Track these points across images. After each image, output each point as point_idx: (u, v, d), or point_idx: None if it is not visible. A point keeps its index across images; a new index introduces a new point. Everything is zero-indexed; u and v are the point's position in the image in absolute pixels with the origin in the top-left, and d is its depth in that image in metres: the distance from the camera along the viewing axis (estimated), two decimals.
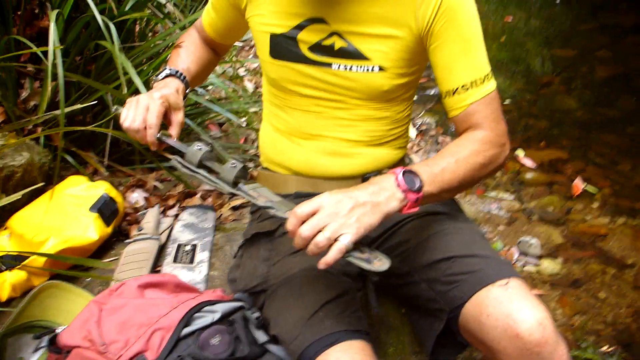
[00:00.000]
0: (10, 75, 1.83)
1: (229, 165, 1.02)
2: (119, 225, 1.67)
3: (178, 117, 1.16)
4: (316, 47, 1.14)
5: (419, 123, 3.32)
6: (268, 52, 1.19)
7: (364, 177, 1.24)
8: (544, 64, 4.69)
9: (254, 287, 1.16)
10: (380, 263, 0.89)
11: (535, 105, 3.80)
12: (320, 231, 0.86)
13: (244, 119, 2.73)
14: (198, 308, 1.06)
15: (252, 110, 2.73)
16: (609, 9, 5.70)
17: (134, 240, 1.56)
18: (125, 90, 1.60)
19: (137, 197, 1.87)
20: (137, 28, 2.28)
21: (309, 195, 0.95)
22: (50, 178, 1.69)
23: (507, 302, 0.95)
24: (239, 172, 1.01)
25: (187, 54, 1.33)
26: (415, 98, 1.29)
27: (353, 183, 1.19)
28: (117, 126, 1.83)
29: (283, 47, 1.17)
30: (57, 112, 1.43)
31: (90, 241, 1.48)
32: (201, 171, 1.04)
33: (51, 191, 1.38)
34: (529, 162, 3.02)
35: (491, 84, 1.09)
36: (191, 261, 1.51)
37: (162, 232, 1.64)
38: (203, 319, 1.05)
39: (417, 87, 1.26)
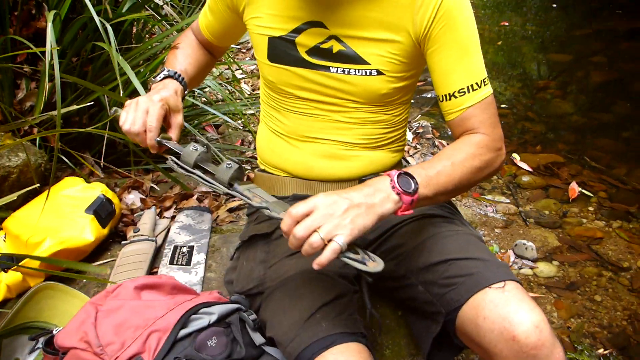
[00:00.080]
0: (6, 76, 1.82)
1: (224, 165, 1.02)
2: (115, 226, 1.66)
3: (177, 120, 1.16)
4: (314, 51, 1.14)
5: (416, 126, 3.33)
6: (266, 55, 1.20)
7: (360, 180, 1.24)
8: (539, 69, 4.71)
9: (250, 289, 1.16)
10: (374, 264, 0.89)
11: (531, 109, 3.82)
12: (314, 232, 0.86)
13: (240, 121, 2.73)
14: (195, 310, 1.06)
15: (248, 112, 2.74)
16: (604, 14, 5.74)
17: (130, 242, 1.55)
18: (122, 92, 1.59)
19: (133, 198, 1.87)
20: (134, 30, 2.28)
21: (306, 198, 0.95)
22: (47, 179, 1.69)
23: (504, 305, 0.95)
24: (234, 173, 1.01)
25: (184, 56, 1.33)
26: (411, 101, 1.30)
27: (350, 186, 1.19)
28: (114, 127, 1.84)
29: (281, 50, 1.17)
30: (54, 113, 1.42)
31: (86, 242, 1.48)
32: (197, 171, 1.04)
33: (47, 192, 1.38)
34: (525, 166, 3.03)
35: (487, 89, 1.10)
36: (188, 263, 1.51)
37: (159, 234, 1.63)
38: (200, 321, 1.05)
39: (414, 91, 1.27)
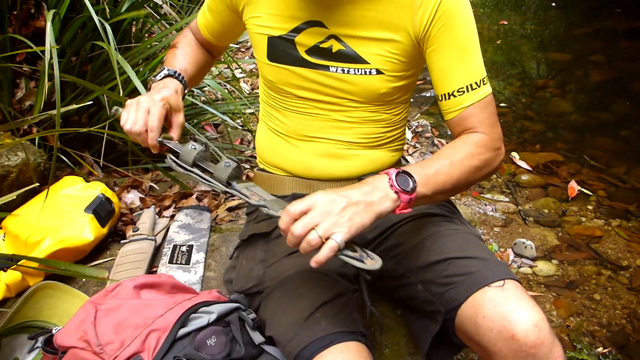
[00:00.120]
0: (5, 75, 1.82)
1: (222, 164, 1.02)
2: (114, 225, 1.66)
3: (179, 119, 1.15)
4: (314, 50, 1.14)
5: (415, 125, 3.33)
6: (265, 54, 1.19)
7: (360, 179, 1.24)
8: (539, 68, 4.72)
9: (250, 289, 1.16)
10: (372, 262, 0.89)
11: (530, 108, 3.82)
12: (312, 229, 0.87)
13: (239, 120, 2.73)
14: (194, 309, 1.06)
15: (248, 111, 2.74)
16: (603, 13, 5.75)
17: (130, 241, 1.55)
18: (121, 92, 1.59)
19: (132, 197, 1.87)
20: (134, 29, 2.27)
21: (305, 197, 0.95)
22: (46, 178, 1.69)
23: (503, 303, 0.95)
24: (232, 172, 1.01)
25: (183, 55, 1.32)
26: (411, 100, 1.30)
27: (350, 185, 1.19)
28: (114, 127, 1.83)
29: (281, 50, 1.17)
30: (53, 112, 1.42)
31: (85, 242, 1.48)
32: (195, 170, 1.04)
33: (46, 191, 1.38)
34: (524, 165, 3.04)
35: (487, 88, 1.10)
36: (187, 262, 1.51)
37: (158, 233, 1.64)
38: (199, 320, 1.05)
39: (414, 90, 1.27)
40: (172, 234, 1.63)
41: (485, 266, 1.03)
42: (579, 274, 2.26)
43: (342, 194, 0.91)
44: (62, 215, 1.50)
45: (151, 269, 1.50)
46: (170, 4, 2.33)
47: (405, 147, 2.98)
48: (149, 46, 2.06)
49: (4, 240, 1.47)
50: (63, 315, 1.27)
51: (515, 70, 4.61)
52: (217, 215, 1.86)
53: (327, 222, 0.87)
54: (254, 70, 3.68)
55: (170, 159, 1.06)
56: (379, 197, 0.92)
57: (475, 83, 1.08)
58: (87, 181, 1.65)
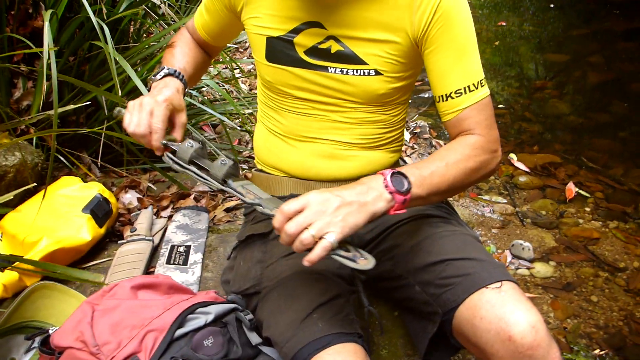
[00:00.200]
0: (3, 75, 1.82)
1: (219, 162, 1.02)
2: (112, 226, 1.66)
3: (181, 119, 1.14)
4: (312, 51, 1.14)
5: (413, 126, 3.33)
6: (264, 55, 1.19)
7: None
8: (537, 69, 4.72)
9: (247, 289, 1.16)
10: (365, 262, 0.89)
11: (528, 109, 3.83)
12: (305, 229, 0.87)
13: (237, 120, 2.73)
14: (191, 309, 1.06)
15: (246, 112, 2.73)
16: (601, 15, 5.75)
17: (127, 241, 1.55)
18: (119, 92, 1.59)
19: (130, 198, 1.86)
20: (132, 29, 2.27)
21: None
22: (43, 178, 1.69)
23: (500, 305, 0.95)
24: (228, 169, 1.01)
25: (182, 55, 1.32)
26: (409, 101, 1.30)
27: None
28: (111, 127, 1.83)
29: (279, 51, 1.17)
30: (50, 112, 1.42)
31: (83, 242, 1.47)
32: (191, 167, 1.04)
33: (43, 191, 1.37)
34: (522, 166, 3.04)
35: (484, 90, 1.10)
36: (185, 262, 1.51)
37: (156, 233, 1.63)
38: (196, 321, 1.05)
39: (412, 91, 1.27)
40: (169, 234, 1.63)
41: (483, 268, 1.03)
42: (577, 276, 2.26)
43: (337, 194, 0.91)
44: (59, 215, 1.50)
45: (149, 269, 1.50)
46: (169, 4, 2.33)
47: (404, 148, 2.98)
48: (147, 46, 2.06)
49: (1, 240, 1.47)
50: (60, 316, 1.26)
51: (514, 72, 4.62)
52: (215, 215, 1.86)
53: (321, 221, 0.87)
54: (252, 70, 3.68)
55: (167, 156, 1.06)
56: (373, 197, 0.93)
57: (473, 85, 1.08)
58: (85, 181, 1.65)
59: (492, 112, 1.11)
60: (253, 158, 1.43)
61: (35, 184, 1.45)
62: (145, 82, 1.74)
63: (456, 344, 1.08)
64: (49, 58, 1.43)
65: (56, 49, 1.55)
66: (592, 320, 2.04)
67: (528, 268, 2.30)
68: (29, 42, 1.57)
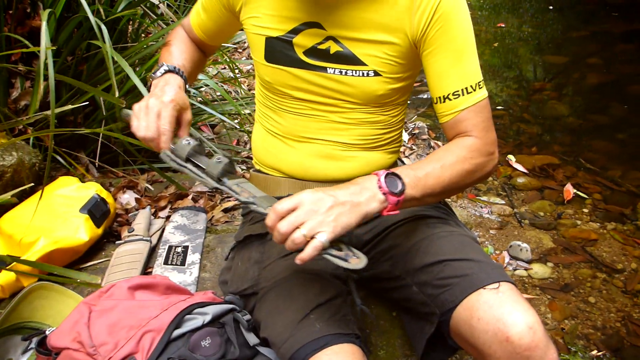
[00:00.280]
0: (0, 75, 1.81)
1: (214, 160, 1.02)
2: (109, 226, 1.66)
3: (187, 117, 1.12)
4: (311, 51, 1.14)
5: (412, 127, 3.33)
6: (263, 55, 1.19)
7: None
8: (535, 70, 4.73)
9: (245, 290, 1.16)
10: (356, 261, 0.89)
11: (527, 110, 3.83)
12: (297, 228, 0.87)
13: (236, 121, 2.73)
14: (189, 310, 1.06)
15: (245, 112, 2.73)
16: (600, 16, 5.77)
17: (125, 242, 1.55)
18: (117, 92, 1.59)
19: (128, 198, 1.86)
20: (130, 29, 2.27)
21: None
22: (41, 179, 1.68)
23: (498, 306, 0.95)
24: (223, 168, 1.01)
25: (179, 52, 1.30)
26: (408, 102, 1.30)
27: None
28: (109, 127, 1.83)
29: (278, 51, 1.17)
30: (48, 112, 1.42)
31: (80, 242, 1.47)
32: (188, 165, 1.04)
33: (40, 191, 1.37)
34: (520, 167, 3.04)
35: (482, 92, 1.10)
36: (182, 263, 1.50)
37: (153, 234, 1.63)
38: (194, 321, 1.04)
39: (411, 92, 1.27)
40: (167, 234, 1.63)
41: (481, 268, 1.03)
42: (574, 277, 2.26)
43: (330, 193, 0.91)
44: (57, 215, 1.49)
45: (146, 269, 1.50)
46: (167, 4, 2.33)
47: (402, 149, 2.98)
48: (145, 46, 2.06)
49: None
50: (57, 316, 1.26)
51: (512, 73, 4.63)
52: (213, 216, 1.86)
53: (313, 221, 0.87)
54: (250, 70, 3.68)
55: (165, 153, 1.06)
56: (366, 197, 0.93)
57: (471, 87, 1.08)
58: (82, 181, 1.64)
59: (489, 115, 1.11)
60: (251, 158, 1.42)
61: (32, 184, 1.45)
62: (144, 82, 1.74)
63: (454, 345, 1.08)
64: (46, 58, 1.43)
65: (54, 48, 1.54)
66: (590, 321, 2.04)
67: (526, 269, 2.30)
68: (26, 42, 1.57)
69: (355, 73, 1.13)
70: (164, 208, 1.86)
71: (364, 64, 1.12)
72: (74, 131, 1.67)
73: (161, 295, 1.13)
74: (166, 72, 1.18)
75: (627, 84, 4.11)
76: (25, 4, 1.92)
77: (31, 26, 1.91)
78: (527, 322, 0.92)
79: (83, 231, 1.48)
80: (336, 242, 0.90)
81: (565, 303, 2.12)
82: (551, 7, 6.15)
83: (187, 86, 1.21)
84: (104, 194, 1.60)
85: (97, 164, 1.90)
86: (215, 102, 2.68)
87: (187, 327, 1.03)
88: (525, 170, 3.03)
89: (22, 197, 1.55)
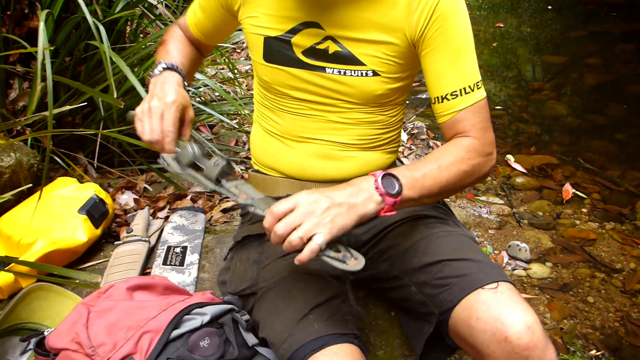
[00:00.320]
0: None
1: (212, 162, 1.02)
2: (108, 227, 1.65)
3: (189, 115, 1.11)
4: (310, 51, 1.14)
5: (410, 127, 3.33)
6: (262, 55, 1.19)
7: None
8: (534, 70, 4.73)
9: (243, 290, 1.16)
10: (354, 262, 0.90)
11: (525, 110, 3.83)
12: (294, 229, 0.87)
13: (235, 121, 2.73)
14: (187, 310, 1.06)
15: (244, 112, 2.73)
16: (599, 17, 5.77)
17: (124, 242, 1.55)
18: (115, 93, 1.59)
19: (126, 198, 1.86)
20: (128, 29, 2.27)
21: None
22: (39, 179, 1.68)
23: (497, 306, 0.95)
24: (221, 170, 1.01)
25: (176, 50, 1.30)
26: (407, 102, 1.30)
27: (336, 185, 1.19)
28: (107, 128, 1.83)
29: (277, 51, 1.17)
30: (46, 113, 1.42)
31: (79, 243, 1.47)
32: (187, 170, 1.04)
33: (39, 192, 1.37)
34: (519, 167, 3.04)
35: (480, 93, 1.10)
36: (181, 263, 1.50)
37: (152, 234, 1.63)
38: (192, 322, 1.04)
39: (410, 91, 1.27)
40: (166, 235, 1.63)
41: (479, 268, 1.03)
42: (573, 277, 2.26)
43: (327, 195, 0.92)
44: (55, 216, 1.49)
45: (145, 270, 1.49)
46: (165, 4, 2.33)
47: (401, 149, 2.98)
48: (143, 46, 2.05)
49: None
50: (56, 317, 1.26)
51: (511, 73, 4.63)
52: (212, 216, 1.86)
53: (309, 222, 0.88)
54: (249, 71, 3.68)
55: (162, 158, 1.06)
56: (363, 199, 0.93)
57: (469, 87, 1.08)
58: (81, 182, 1.64)
59: (487, 115, 1.11)
60: (250, 159, 1.42)
61: (30, 185, 1.45)
62: (143, 82, 1.73)
63: (452, 345, 1.08)
64: (43, 58, 1.42)
65: (52, 48, 1.54)
66: (589, 321, 2.04)
67: (525, 269, 2.30)
68: (24, 43, 1.57)
69: (354, 73, 1.13)
70: (162, 208, 1.86)
71: (363, 64, 1.12)
72: (72, 132, 1.66)
73: (160, 295, 1.12)
74: (164, 69, 1.17)
75: (626, 84, 4.11)
76: (23, 4, 1.92)
77: (29, 27, 1.91)
78: (525, 322, 0.92)
79: (81, 232, 1.48)
80: (334, 243, 0.90)
81: (564, 303, 2.12)
82: (550, 7, 6.16)
83: (185, 83, 1.20)
84: (103, 195, 1.60)
85: (95, 164, 1.90)
86: (214, 103, 2.67)
87: (185, 327, 1.03)
88: (524, 170, 3.03)
89: (21, 198, 1.55)
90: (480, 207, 2.73)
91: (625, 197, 2.79)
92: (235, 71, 3.26)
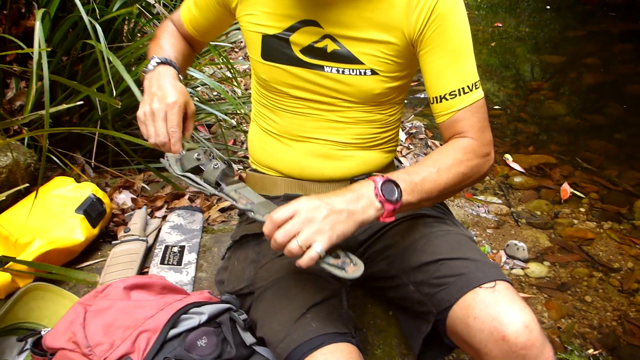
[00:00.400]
0: None
1: (211, 166, 1.01)
2: (105, 226, 1.65)
3: (191, 109, 1.11)
4: (308, 50, 1.14)
5: (409, 126, 3.33)
6: (259, 53, 1.19)
7: (352, 180, 1.24)
8: (533, 70, 4.73)
9: (241, 289, 1.16)
10: (353, 269, 0.90)
11: (524, 110, 3.84)
12: (294, 237, 0.88)
13: (233, 120, 2.73)
14: (185, 310, 1.05)
15: (242, 111, 2.73)
16: (597, 16, 5.78)
17: (121, 242, 1.54)
18: (113, 92, 1.58)
19: (124, 198, 1.86)
20: (125, 29, 2.26)
21: (297, 197, 0.95)
22: (36, 179, 1.68)
23: (494, 305, 0.95)
24: (221, 174, 1.01)
25: (169, 45, 1.28)
26: (405, 101, 1.30)
27: (342, 186, 1.18)
28: (104, 127, 1.82)
29: (275, 49, 1.16)
30: (43, 112, 1.41)
31: (76, 243, 1.47)
32: (187, 174, 1.04)
33: (35, 192, 1.37)
34: (517, 167, 3.05)
35: (479, 93, 1.10)
36: (179, 263, 1.50)
37: (150, 234, 1.63)
38: (190, 321, 1.04)
39: (408, 91, 1.27)
40: (163, 234, 1.63)
41: (477, 267, 1.03)
42: (571, 276, 2.27)
43: (326, 201, 0.91)
44: (52, 216, 1.49)
45: (142, 269, 1.49)
46: (163, 3, 2.33)
47: (399, 148, 2.98)
48: (141, 45, 2.05)
49: None
50: (53, 317, 1.26)
51: (510, 73, 4.63)
52: (210, 216, 1.86)
53: (309, 230, 0.88)
54: (247, 70, 3.67)
55: (165, 160, 1.06)
56: (362, 205, 0.93)
57: (467, 87, 1.08)
58: (78, 181, 1.64)
59: (485, 115, 1.11)
60: (248, 158, 1.42)
61: (27, 185, 1.44)
62: (140, 82, 1.73)
63: (450, 344, 1.08)
64: (40, 58, 1.42)
65: (49, 49, 1.54)
66: (586, 320, 2.04)
67: (522, 268, 2.30)
68: (20, 42, 1.56)
69: (353, 72, 1.13)
70: (160, 208, 1.85)
71: (361, 63, 1.12)
72: (70, 130, 1.66)
73: (157, 295, 1.12)
74: (158, 64, 1.16)
75: (624, 84, 4.12)
76: (20, 3, 1.92)
77: (26, 26, 1.90)
78: (523, 321, 0.92)
79: (79, 231, 1.48)
80: (333, 249, 0.90)
81: (561, 302, 2.13)
82: (548, 7, 6.16)
83: (180, 77, 1.18)
84: (100, 194, 1.60)
85: (93, 164, 1.89)
86: (212, 102, 2.67)
87: (183, 326, 1.03)
88: (522, 170, 3.03)
89: (18, 197, 1.55)
90: (479, 207, 2.73)
91: (623, 196, 2.80)
92: (233, 71, 3.25)
